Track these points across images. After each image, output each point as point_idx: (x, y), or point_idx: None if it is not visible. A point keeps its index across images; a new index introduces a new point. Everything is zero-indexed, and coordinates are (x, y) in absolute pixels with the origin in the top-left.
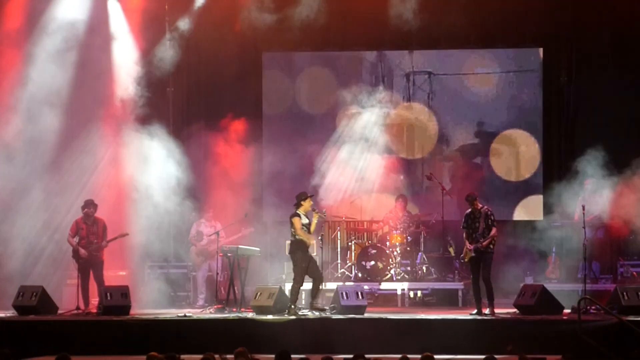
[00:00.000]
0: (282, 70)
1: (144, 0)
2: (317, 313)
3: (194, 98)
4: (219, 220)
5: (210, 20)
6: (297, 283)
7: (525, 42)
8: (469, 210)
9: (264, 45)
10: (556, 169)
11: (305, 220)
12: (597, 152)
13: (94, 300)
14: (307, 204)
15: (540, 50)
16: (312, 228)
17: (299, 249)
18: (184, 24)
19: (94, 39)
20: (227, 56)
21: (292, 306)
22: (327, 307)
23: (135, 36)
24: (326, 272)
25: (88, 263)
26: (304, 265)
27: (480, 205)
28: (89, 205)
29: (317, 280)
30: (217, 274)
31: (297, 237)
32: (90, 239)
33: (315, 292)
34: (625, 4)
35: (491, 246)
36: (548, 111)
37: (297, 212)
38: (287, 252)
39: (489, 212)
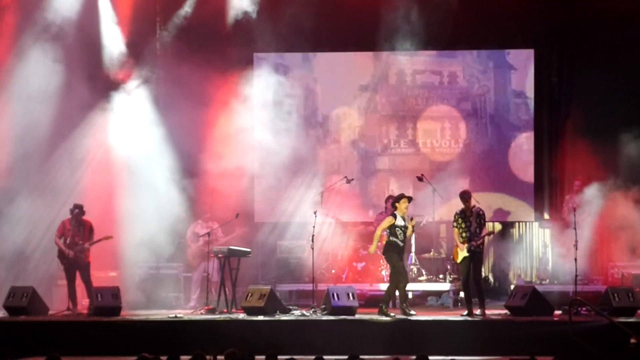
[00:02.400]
0: (273, 71)
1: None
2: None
3: (184, 99)
4: (216, 221)
5: (201, 19)
6: (393, 283)
7: (516, 43)
8: (460, 209)
9: (255, 46)
10: (547, 169)
11: (400, 222)
12: (587, 152)
13: (84, 302)
14: (401, 206)
15: (532, 51)
16: (409, 232)
17: (391, 249)
18: (173, 24)
19: (84, 33)
20: (218, 56)
21: (384, 307)
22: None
23: (125, 36)
24: (317, 273)
25: (74, 264)
26: (399, 264)
27: (472, 205)
28: (77, 208)
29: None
30: (208, 274)
31: (390, 238)
32: (75, 240)
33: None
34: (617, 5)
35: (481, 246)
36: (539, 112)
37: (395, 212)
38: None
39: (481, 212)
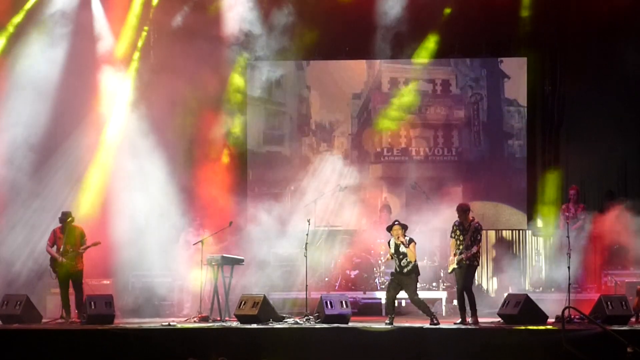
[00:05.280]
0: (266, 79)
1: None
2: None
3: (177, 106)
4: (207, 229)
5: (195, 25)
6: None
7: (509, 51)
8: (459, 220)
9: (249, 54)
10: (540, 177)
11: (393, 250)
12: (581, 160)
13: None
14: (393, 232)
15: (525, 59)
16: (410, 256)
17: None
18: (168, 30)
19: (79, 38)
20: (212, 63)
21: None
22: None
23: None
24: (310, 281)
25: (67, 274)
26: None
27: (471, 218)
28: (65, 216)
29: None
30: (202, 282)
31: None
32: (66, 247)
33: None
34: (609, 14)
35: (477, 260)
36: (532, 120)
37: (389, 240)
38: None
39: (479, 227)
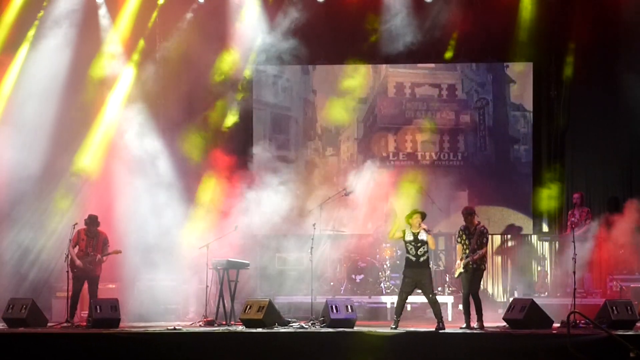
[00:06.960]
0: (272, 83)
1: (133, 20)
2: None
3: (182, 111)
4: (212, 233)
5: (202, 28)
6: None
7: (515, 56)
8: (464, 225)
9: (255, 58)
10: (546, 183)
11: (409, 237)
12: (586, 166)
13: (83, 313)
14: (413, 221)
15: (531, 64)
16: (431, 245)
17: (405, 264)
18: (173, 40)
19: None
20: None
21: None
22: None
23: (125, 53)
24: (316, 285)
25: (84, 275)
26: (403, 282)
27: (477, 222)
28: (92, 221)
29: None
30: (207, 286)
31: (406, 254)
32: (87, 251)
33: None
34: (615, 21)
35: (484, 264)
36: (538, 124)
37: (405, 228)
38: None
39: (485, 230)
